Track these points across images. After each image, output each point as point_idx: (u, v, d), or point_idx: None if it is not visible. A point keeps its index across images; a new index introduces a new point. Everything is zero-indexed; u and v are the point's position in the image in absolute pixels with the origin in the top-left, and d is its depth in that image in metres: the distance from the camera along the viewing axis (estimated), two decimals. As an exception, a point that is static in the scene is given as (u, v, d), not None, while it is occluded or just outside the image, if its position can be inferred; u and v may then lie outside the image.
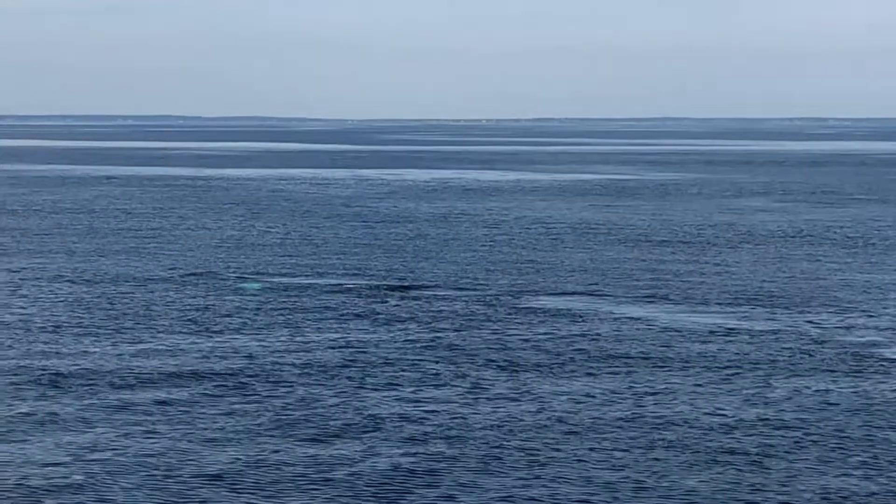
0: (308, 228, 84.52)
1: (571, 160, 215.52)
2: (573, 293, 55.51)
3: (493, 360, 40.54)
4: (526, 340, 43.93)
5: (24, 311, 49.68)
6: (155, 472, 28.38)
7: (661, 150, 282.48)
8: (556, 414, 33.83)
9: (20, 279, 58.67)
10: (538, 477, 28.32)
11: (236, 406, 34.73)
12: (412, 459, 29.53)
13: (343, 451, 30.15)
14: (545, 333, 45.36)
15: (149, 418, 33.09)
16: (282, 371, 39.10)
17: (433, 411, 34.08)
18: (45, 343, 43.16)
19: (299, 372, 38.92)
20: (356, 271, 61.96)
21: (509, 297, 53.70)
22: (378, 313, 49.41)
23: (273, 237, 78.88)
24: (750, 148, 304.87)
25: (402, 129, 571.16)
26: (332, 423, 32.84)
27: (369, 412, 33.97)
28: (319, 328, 46.12)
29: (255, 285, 56.55)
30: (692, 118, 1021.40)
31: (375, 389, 36.63)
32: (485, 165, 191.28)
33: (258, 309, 50.29)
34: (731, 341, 44.03)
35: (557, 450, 30.29)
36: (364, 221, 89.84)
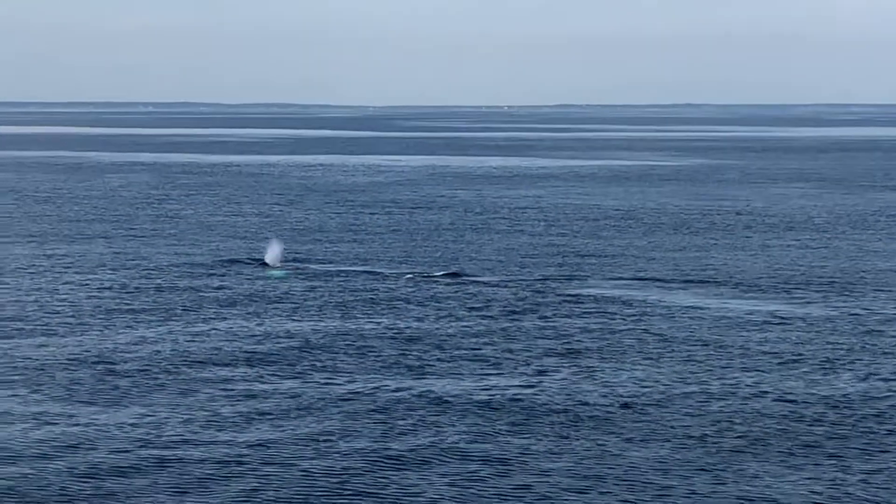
0: (346, 215, 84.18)
1: (598, 146, 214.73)
2: (621, 279, 55.14)
3: (552, 348, 40.20)
4: (582, 329, 43.56)
5: (73, 297, 49.54)
6: (222, 452, 28.22)
7: (687, 136, 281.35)
8: (622, 399, 33.54)
9: (64, 266, 58.55)
10: (608, 463, 28.05)
11: (298, 390, 34.51)
12: (481, 445, 29.27)
13: (411, 437, 29.89)
14: (600, 320, 45.00)
15: (213, 403, 32.91)
16: (339, 356, 38.85)
17: (498, 396, 33.81)
18: (100, 329, 42.99)
19: (357, 358, 38.66)
20: (401, 259, 61.63)
21: (558, 284, 53.33)
22: (428, 300, 49.09)
23: (312, 224, 78.59)
24: (776, 134, 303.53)
25: (424, 116, 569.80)
26: (397, 407, 32.60)
27: (434, 397, 33.69)
28: (372, 315, 45.85)
29: (280, 272, 56.35)
30: (713, 104, 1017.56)
31: (437, 376, 36.35)
32: (512, 152, 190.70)
33: (307, 295, 50.02)
34: (788, 328, 43.63)
35: (627, 438, 29.99)
36: (401, 208, 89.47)
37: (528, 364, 38.01)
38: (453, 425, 30.95)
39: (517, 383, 35.45)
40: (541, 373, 36.79)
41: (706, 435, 30.20)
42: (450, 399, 33.57)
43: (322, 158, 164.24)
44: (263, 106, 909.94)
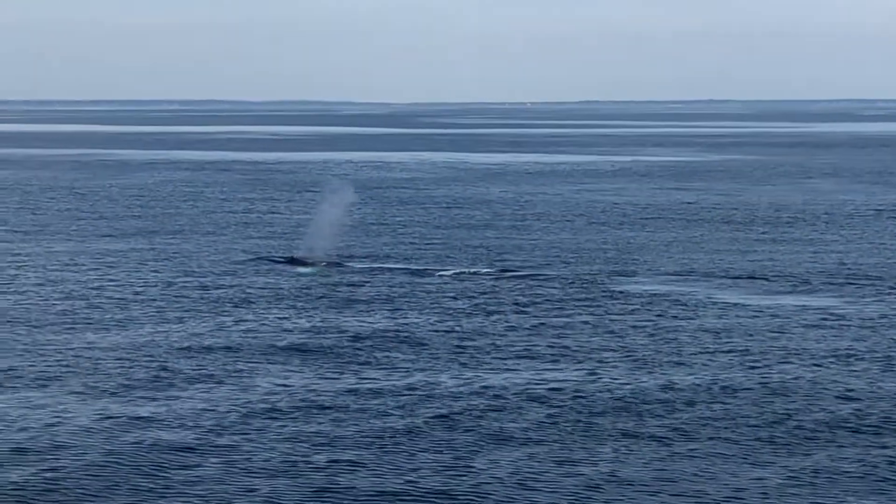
0: (383, 212, 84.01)
1: (627, 143, 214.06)
2: (668, 274, 54.80)
3: (607, 344, 39.91)
4: (636, 324, 43.26)
5: (121, 293, 49.44)
6: (286, 448, 28.03)
7: (714, 132, 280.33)
8: (684, 396, 33.22)
9: (108, 263, 58.45)
10: (677, 462, 27.77)
11: (355, 385, 34.28)
12: (544, 444, 28.98)
13: (472, 435, 29.68)
14: (652, 316, 44.70)
15: (271, 396, 32.73)
16: (393, 353, 38.62)
17: (558, 393, 33.51)
18: (151, 324, 42.86)
19: (411, 354, 38.42)
20: (444, 255, 61.41)
21: (606, 279, 53.03)
22: (477, 296, 48.83)
23: (351, 221, 78.31)
24: (803, 129, 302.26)
25: (447, 113, 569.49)
26: (455, 404, 32.33)
27: (494, 394, 33.42)
28: (421, 312, 45.61)
29: (310, 269, 56.00)
30: (737, 101, 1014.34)
31: (493, 371, 36.11)
32: (541, 148, 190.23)
33: (354, 291, 49.80)
34: (844, 324, 43.22)
35: (692, 436, 29.68)
36: (438, 205, 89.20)
37: (585, 360, 37.70)
38: (514, 422, 30.68)
39: (575, 378, 35.15)
40: (599, 369, 36.48)
41: (774, 435, 29.82)
42: (509, 396, 33.30)
43: (351, 155, 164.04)
44: (288, 103, 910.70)
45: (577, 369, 36.49)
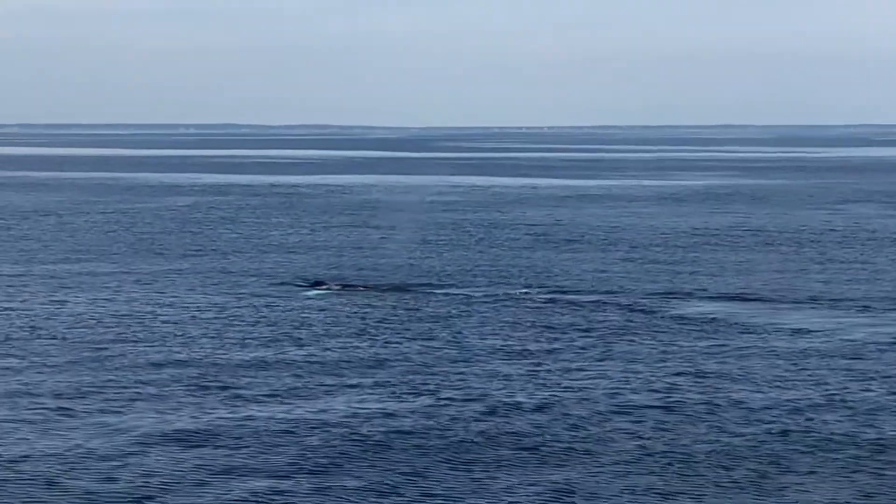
0: (423, 235, 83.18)
1: (654, 167, 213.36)
2: (723, 297, 53.98)
3: (678, 370, 39.05)
4: (703, 349, 42.42)
5: (176, 318, 48.70)
6: (375, 477, 27.34)
7: (739, 156, 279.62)
8: (772, 426, 32.37)
9: (159, 289, 57.65)
10: (777, 496, 27.01)
11: (428, 409, 33.48)
12: (638, 481, 28.18)
13: (566, 469, 28.92)
14: (717, 340, 43.86)
15: (343, 417, 32.00)
16: (456, 376, 37.77)
17: (636, 420, 32.68)
18: (215, 351, 42.16)
19: (483, 378, 37.56)
20: (496, 277, 60.59)
21: (661, 302, 52.16)
22: (536, 320, 47.98)
23: (393, 244, 77.64)
24: (827, 155, 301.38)
25: (465, 137, 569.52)
26: (532, 429, 31.52)
27: (573, 422, 32.54)
28: (483, 334, 44.88)
29: (317, 293, 55.09)
30: (755, 125, 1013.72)
31: (569, 391, 35.33)
32: (567, 172, 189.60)
33: (408, 317, 49.03)
34: (918, 349, 42.37)
35: (788, 468, 28.83)
36: (478, 228, 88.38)
37: (659, 386, 36.78)
38: (606, 454, 29.85)
39: (651, 404, 34.24)
40: (674, 395, 35.52)
41: (880, 467, 28.96)
42: (586, 420, 32.41)
43: (377, 178, 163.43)
44: (303, 127, 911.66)
45: (652, 394, 35.66)
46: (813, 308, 51.39)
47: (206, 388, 36.36)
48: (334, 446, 30.05)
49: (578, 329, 46.09)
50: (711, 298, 53.91)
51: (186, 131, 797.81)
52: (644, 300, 52.98)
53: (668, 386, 36.73)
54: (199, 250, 73.01)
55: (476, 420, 32.68)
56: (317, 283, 57.16)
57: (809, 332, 45.74)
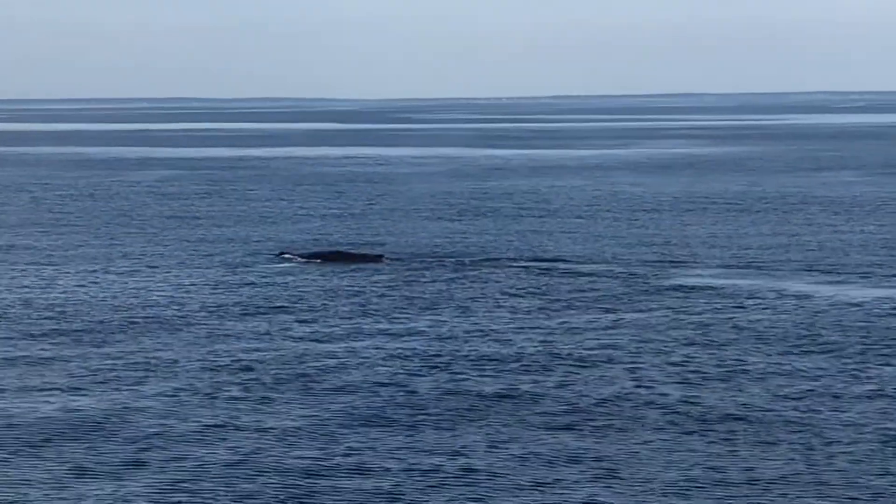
0: (407, 206, 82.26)
1: (621, 136, 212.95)
2: (723, 266, 53.51)
3: (690, 340, 38.47)
4: (714, 319, 41.86)
5: (174, 300, 47.70)
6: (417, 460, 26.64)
7: (706, 125, 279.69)
8: (793, 397, 31.80)
9: (144, 267, 56.53)
10: (816, 468, 26.46)
11: (447, 385, 32.76)
12: (660, 451, 27.55)
13: (594, 439, 28.26)
14: (727, 310, 43.26)
15: (376, 398, 31.24)
16: (465, 350, 37.03)
17: (654, 397, 31.96)
18: (222, 333, 41.27)
19: (499, 360, 36.64)
20: (486, 249, 59.73)
21: (660, 272, 51.51)
22: (536, 292, 47.17)
23: (381, 216, 76.71)
24: (791, 122, 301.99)
25: (423, 109, 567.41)
26: (563, 407, 30.82)
27: (596, 399, 31.78)
28: (487, 308, 44.08)
29: (293, 264, 54.65)
30: (711, 93, 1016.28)
31: (581, 370, 34.63)
32: (538, 143, 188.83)
33: (421, 292, 48.23)
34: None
35: (824, 440, 28.30)
36: (460, 199, 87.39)
37: (672, 358, 36.04)
38: (633, 426, 29.22)
39: (668, 380, 33.49)
40: (693, 370, 34.70)
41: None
42: (609, 399, 31.65)
43: (343, 151, 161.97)
44: (257, 100, 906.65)
45: (667, 369, 35.07)
46: (811, 275, 50.91)
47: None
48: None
49: (584, 299, 45.39)
50: (709, 266, 53.43)
51: (139, 105, 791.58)
52: (642, 269, 52.42)
53: (684, 358, 36.10)
54: (187, 225, 71.90)
55: (492, 398, 31.96)
56: (313, 255, 56.28)
57: (812, 298, 45.22)
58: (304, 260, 55.40)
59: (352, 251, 57.08)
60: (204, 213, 77.72)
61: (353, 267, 53.37)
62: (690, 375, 33.79)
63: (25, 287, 48.81)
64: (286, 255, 56.45)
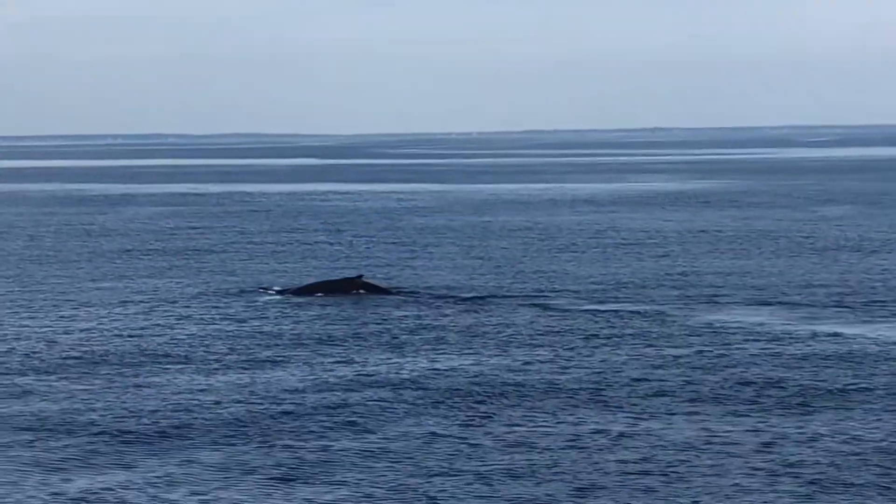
0: (403, 240, 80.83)
1: (604, 170, 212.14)
2: (749, 303, 52.10)
3: (739, 383, 37.03)
4: (764, 360, 40.54)
5: (177, 340, 46.13)
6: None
7: (686, 159, 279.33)
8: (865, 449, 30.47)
9: (152, 307, 54.86)
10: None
11: (497, 434, 31.37)
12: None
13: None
14: (770, 352, 41.88)
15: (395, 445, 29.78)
16: (495, 398, 35.57)
17: (719, 445, 30.57)
18: (232, 370, 39.73)
19: (512, 400, 35.16)
20: (498, 286, 58.29)
21: (687, 312, 49.98)
22: (555, 331, 45.64)
23: (377, 251, 75.27)
24: (769, 156, 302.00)
25: (398, 144, 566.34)
26: (584, 471, 29.36)
27: (642, 449, 30.40)
28: (491, 348, 42.64)
29: (277, 297, 54.07)
30: (681, 128, 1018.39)
31: (627, 418, 33.22)
32: (521, 178, 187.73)
33: (430, 328, 46.76)
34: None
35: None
36: (459, 234, 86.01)
37: (730, 406, 34.51)
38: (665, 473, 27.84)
39: (726, 428, 32.01)
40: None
41: None
42: (658, 444, 30.24)
43: (329, 187, 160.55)
44: (230, 136, 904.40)
45: (728, 417, 33.70)
46: (844, 313, 49.67)
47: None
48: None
49: (614, 337, 43.97)
50: (735, 304, 52.07)
51: (114, 141, 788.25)
52: (667, 307, 50.99)
53: (735, 405, 34.71)
54: (195, 262, 70.20)
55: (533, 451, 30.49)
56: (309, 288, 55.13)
57: (845, 336, 43.98)
58: (290, 294, 54.48)
59: (342, 284, 55.56)
60: (206, 247, 76.21)
61: (343, 299, 52.54)
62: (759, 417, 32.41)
63: (37, 325, 47.21)
64: (272, 290, 55.55)
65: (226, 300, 54.00)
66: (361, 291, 54.25)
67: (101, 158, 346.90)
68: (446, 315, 49.33)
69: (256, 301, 53.54)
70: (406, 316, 49.10)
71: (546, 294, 54.95)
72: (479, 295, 54.67)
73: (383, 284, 56.64)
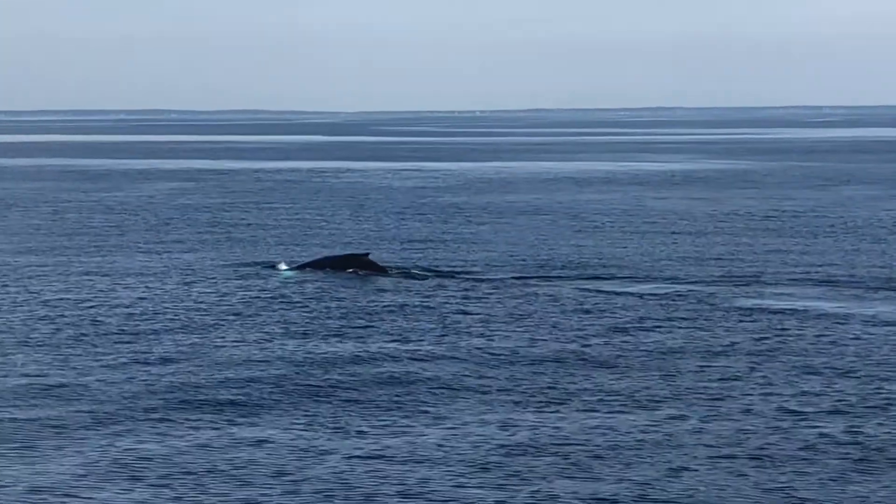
0: (435, 223, 79.63)
1: (616, 149, 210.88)
2: (796, 283, 50.92)
3: (799, 370, 36.01)
4: (824, 347, 39.45)
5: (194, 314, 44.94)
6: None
7: (697, 139, 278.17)
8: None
9: (189, 280, 53.68)
10: None
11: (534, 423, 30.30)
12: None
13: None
14: (828, 335, 40.78)
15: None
16: (506, 380, 34.44)
17: (769, 432, 29.52)
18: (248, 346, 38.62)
19: (549, 387, 34.11)
20: (531, 264, 57.16)
21: (729, 292, 48.82)
22: (605, 313, 44.59)
23: (404, 231, 74.13)
24: (779, 136, 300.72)
25: (404, 121, 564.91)
26: (642, 446, 28.25)
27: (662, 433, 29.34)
28: (551, 328, 41.47)
29: (289, 273, 53.39)
30: (684, 108, 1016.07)
31: (672, 404, 32.12)
32: (535, 155, 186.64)
33: (453, 309, 45.59)
34: None
35: None
36: (483, 211, 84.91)
37: (789, 389, 33.52)
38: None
39: (795, 408, 30.99)
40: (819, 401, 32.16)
41: None
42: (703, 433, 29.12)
43: (339, 165, 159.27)
44: (234, 112, 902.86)
45: (782, 401, 32.60)
46: (890, 293, 48.54)
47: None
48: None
49: (657, 322, 42.75)
50: (783, 284, 50.92)
51: (116, 117, 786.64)
52: (712, 289, 49.83)
53: (800, 390, 33.57)
54: (216, 239, 69.07)
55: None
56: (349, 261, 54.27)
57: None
58: (304, 270, 53.90)
59: (348, 261, 54.64)
60: (231, 222, 75.14)
61: (348, 276, 52.02)
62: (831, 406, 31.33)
63: (75, 297, 46.08)
64: (284, 266, 54.91)
65: (251, 274, 52.99)
66: (360, 272, 53.42)
67: (110, 134, 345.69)
68: (492, 295, 48.22)
69: (273, 276, 52.88)
70: (453, 296, 48.01)
71: (594, 274, 53.86)
72: (522, 276, 53.54)
73: (403, 264, 55.80)
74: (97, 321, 42.71)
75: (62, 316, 43.79)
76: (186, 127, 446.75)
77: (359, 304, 45.99)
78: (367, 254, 55.10)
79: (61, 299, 47.48)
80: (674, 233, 71.50)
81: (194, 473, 25.52)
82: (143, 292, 49.01)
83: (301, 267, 54.74)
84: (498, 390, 32.76)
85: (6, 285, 50.89)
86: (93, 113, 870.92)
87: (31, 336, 40.11)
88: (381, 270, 53.71)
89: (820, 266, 56.45)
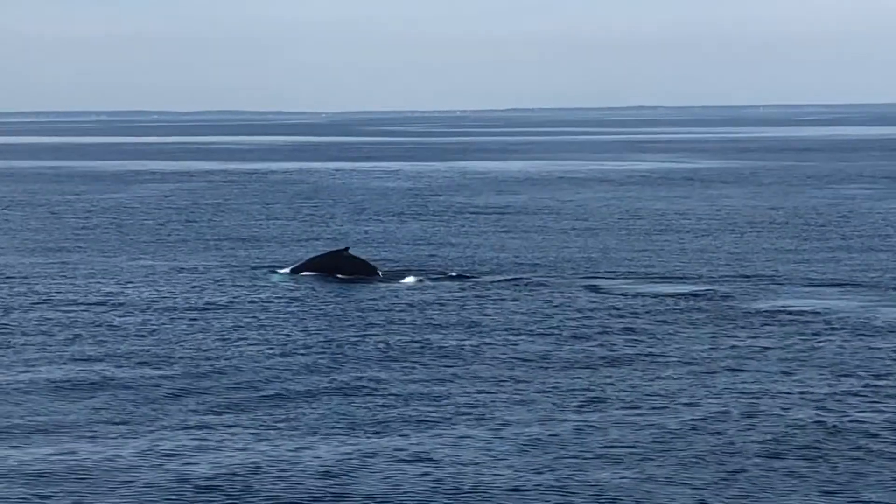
0: (438, 223, 78.80)
1: (603, 149, 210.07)
2: (813, 285, 50.14)
3: (839, 374, 35.17)
4: (855, 352, 38.61)
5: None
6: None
7: (684, 137, 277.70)
8: None
9: (199, 285, 52.70)
10: None
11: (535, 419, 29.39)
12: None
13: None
14: (860, 341, 39.89)
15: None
16: (528, 378, 33.51)
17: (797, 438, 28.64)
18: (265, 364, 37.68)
19: (555, 384, 33.21)
20: (528, 264, 56.38)
21: (745, 292, 48.04)
22: (616, 312, 43.73)
23: (411, 233, 73.26)
24: (767, 135, 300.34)
25: (386, 121, 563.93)
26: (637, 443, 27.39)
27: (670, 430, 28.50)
28: (545, 329, 40.56)
29: (279, 278, 52.74)
30: (665, 107, 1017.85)
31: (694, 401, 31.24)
32: (524, 155, 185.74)
33: (469, 308, 44.69)
34: None
35: None
36: (483, 214, 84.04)
37: (821, 391, 32.64)
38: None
39: (802, 415, 30.07)
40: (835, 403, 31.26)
41: None
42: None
43: (321, 165, 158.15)
44: (215, 113, 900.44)
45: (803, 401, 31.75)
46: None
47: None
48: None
49: (675, 323, 41.85)
50: (798, 286, 50.09)
51: (97, 118, 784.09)
52: (725, 289, 49.02)
53: (829, 392, 32.71)
54: (217, 240, 68.08)
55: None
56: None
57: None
58: (299, 273, 53.36)
59: (332, 257, 54.29)
60: (231, 225, 74.19)
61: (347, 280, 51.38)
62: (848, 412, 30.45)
63: (82, 298, 45.12)
64: (280, 270, 54.47)
65: (249, 276, 52.10)
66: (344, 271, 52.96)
67: (93, 135, 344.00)
68: (514, 295, 47.37)
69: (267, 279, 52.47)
70: (462, 296, 47.16)
71: (600, 274, 53.20)
72: (522, 276, 52.84)
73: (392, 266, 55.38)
74: (86, 320, 42.01)
75: (49, 318, 43.05)
76: (170, 128, 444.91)
77: (342, 308, 45.25)
78: (347, 248, 55.29)
79: (48, 300, 46.80)
80: (678, 233, 70.74)
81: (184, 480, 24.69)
82: (133, 293, 48.21)
83: (294, 270, 54.14)
84: (536, 392, 32.00)
85: (6, 285, 50.26)
86: (70, 114, 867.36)
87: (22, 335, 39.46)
88: (363, 263, 53.65)
89: (820, 265, 55.88)
